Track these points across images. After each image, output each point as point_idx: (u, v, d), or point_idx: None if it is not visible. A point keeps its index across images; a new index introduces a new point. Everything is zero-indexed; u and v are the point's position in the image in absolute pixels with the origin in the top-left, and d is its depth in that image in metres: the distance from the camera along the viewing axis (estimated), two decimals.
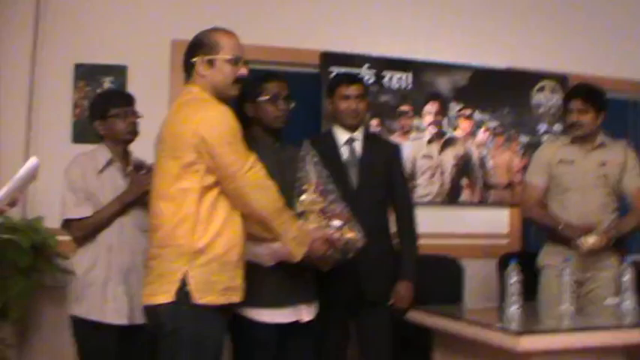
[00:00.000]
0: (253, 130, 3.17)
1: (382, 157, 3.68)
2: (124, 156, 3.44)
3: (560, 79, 5.11)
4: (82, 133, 4.14)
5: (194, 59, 2.78)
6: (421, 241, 3.74)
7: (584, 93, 3.88)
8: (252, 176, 2.67)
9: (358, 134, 3.66)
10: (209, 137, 2.60)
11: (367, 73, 4.67)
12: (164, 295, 2.61)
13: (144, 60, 4.37)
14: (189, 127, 2.62)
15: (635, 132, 5.40)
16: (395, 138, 4.67)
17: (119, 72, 4.31)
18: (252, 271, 2.82)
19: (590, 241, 3.67)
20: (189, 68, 2.82)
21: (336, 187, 3.13)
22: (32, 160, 2.61)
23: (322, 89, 4.48)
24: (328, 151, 3.53)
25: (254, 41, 4.39)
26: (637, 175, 3.98)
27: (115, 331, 3.24)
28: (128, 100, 3.44)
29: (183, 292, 2.59)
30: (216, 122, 2.65)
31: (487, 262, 4.76)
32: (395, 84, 4.74)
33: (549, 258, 3.90)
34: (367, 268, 3.39)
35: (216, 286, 2.64)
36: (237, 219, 2.71)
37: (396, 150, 3.80)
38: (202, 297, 2.61)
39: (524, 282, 3.88)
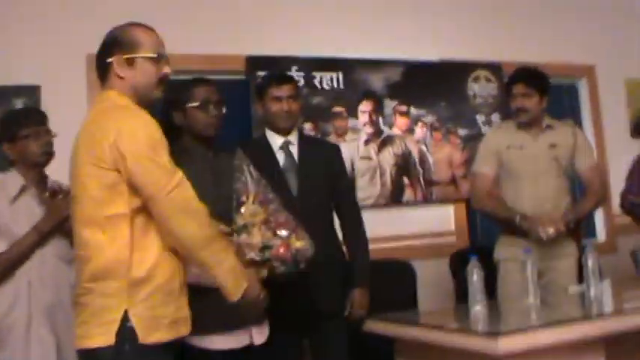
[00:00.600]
0: (183, 140, 2.93)
1: (321, 159, 3.46)
2: (40, 181, 3.09)
3: (495, 68, 5.01)
4: None
5: (110, 59, 2.43)
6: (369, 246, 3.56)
7: (525, 77, 3.75)
8: (177, 198, 2.29)
9: (293, 137, 3.44)
10: (127, 152, 2.26)
11: (296, 76, 4.46)
12: (102, 337, 2.25)
13: (58, 77, 4.09)
14: (105, 140, 2.26)
15: (572, 116, 5.33)
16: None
17: (32, 92, 4.04)
18: (195, 294, 2.51)
19: (550, 230, 3.54)
20: (104, 70, 2.47)
21: (276, 195, 2.88)
22: None
23: (250, 95, 4.32)
24: (263, 157, 3.30)
25: (175, 50, 4.19)
26: (588, 155, 3.88)
27: None
28: (40, 118, 3.12)
29: (125, 332, 2.24)
30: (134, 134, 2.30)
31: (437, 261, 4.62)
32: (326, 84, 4.56)
33: (506, 250, 3.76)
34: (317, 279, 3.10)
35: (163, 320, 2.31)
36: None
37: (335, 150, 3.60)
38: (148, 336, 2.26)
39: None
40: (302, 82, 4.49)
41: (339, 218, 3.52)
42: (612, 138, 5.43)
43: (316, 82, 4.54)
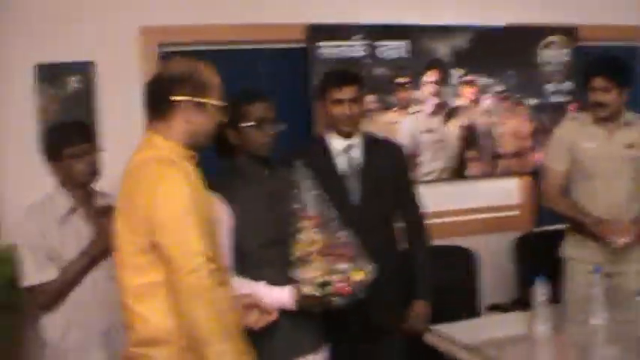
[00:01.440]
0: (238, 160, 2.77)
1: (386, 163, 3.28)
2: (88, 199, 2.93)
3: (568, 32, 4.69)
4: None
5: (177, 98, 2.23)
6: (431, 221, 3.44)
7: (606, 69, 3.47)
8: (192, 282, 2.08)
9: (356, 140, 3.26)
10: (157, 221, 2.11)
11: (358, 45, 4.25)
12: None
13: (112, 52, 3.91)
14: (140, 204, 2.13)
15: None
16: (394, 113, 4.32)
17: (86, 69, 3.87)
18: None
19: (622, 241, 3.38)
20: (160, 104, 2.25)
21: (334, 209, 2.73)
22: None
23: (310, 65, 4.17)
24: (322, 163, 3.16)
25: (234, 21, 4.08)
26: None
27: None
28: (85, 135, 2.91)
29: None
30: (165, 204, 2.11)
31: (500, 236, 4.53)
32: (390, 54, 4.31)
33: (574, 251, 3.59)
34: (375, 293, 2.85)
35: None
36: (221, 292, 2.19)
37: (400, 151, 3.42)
38: None
39: (540, 261, 3.66)
40: (365, 52, 4.26)
41: (402, 221, 3.38)
42: None
43: (379, 51, 4.29)
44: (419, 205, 3.40)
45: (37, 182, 2.97)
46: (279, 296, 2.61)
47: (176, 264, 2.09)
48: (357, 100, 3.22)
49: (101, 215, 2.84)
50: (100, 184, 3.00)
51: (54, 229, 2.83)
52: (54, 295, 2.81)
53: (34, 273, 2.79)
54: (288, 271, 2.59)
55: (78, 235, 2.86)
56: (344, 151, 3.24)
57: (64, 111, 3.82)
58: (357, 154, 3.25)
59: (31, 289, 2.82)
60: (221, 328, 2.12)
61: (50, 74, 3.82)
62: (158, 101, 2.26)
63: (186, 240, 2.10)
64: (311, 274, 2.56)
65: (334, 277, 2.56)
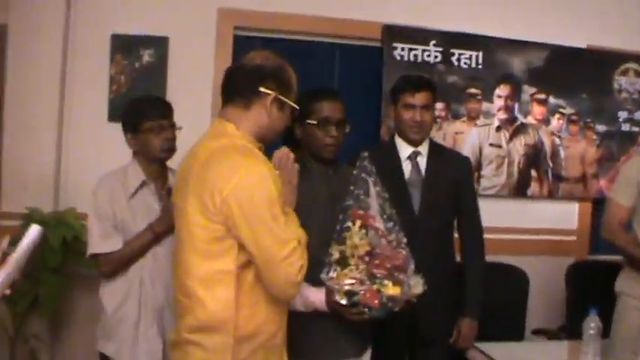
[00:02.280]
0: (303, 154, 2.68)
1: (450, 175, 3.20)
2: (161, 175, 2.94)
3: None
4: (119, 111, 3.73)
5: (264, 89, 2.19)
6: (486, 236, 3.35)
7: None
8: (286, 269, 2.09)
9: (423, 148, 3.20)
10: (240, 214, 2.07)
11: (434, 51, 4.20)
12: None
13: (187, 30, 3.95)
14: (218, 193, 2.08)
15: None
16: (461, 123, 4.27)
17: (160, 44, 3.89)
18: (296, 325, 2.39)
19: None
20: (242, 92, 2.21)
21: (393, 211, 2.60)
22: (34, 229, 1.98)
23: (384, 65, 4.15)
24: (389, 167, 3.10)
25: (312, 12, 4.07)
26: None
27: None
28: (165, 111, 2.93)
29: None
30: (250, 192, 2.07)
31: (553, 260, 4.43)
32: (464, 63, 4.26)
33: (628, 286, 3.47)
34: (426, 302, 2.74)
35: None
36: None
37: (466, 165, 3.35)
38: None
39: (592, 291, 3.57)
40: (439, 58, 4.21)
41: (460, 236, 3.31)
42: None
43: (454, 59, 4.24)
44: (479, 220, 3.33)
45: (107, 151, 3.00)
46: (314, 297, 2.51)
47: (270, 252, 2.07)
48: (428, 107, 3.16)
49: (170, 194, 2.81)
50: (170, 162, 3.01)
51: (124, 201, 2.85)
52: (116, 265, 2.83)
53: (100, 242, 2.82)
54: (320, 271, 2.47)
55: (147, 208, 2.88)
56: (410, 158, 3.19)
57: (135, 83, 3.87)
58: (422, 162, 3.19)
59: (95, 257, 2.84)
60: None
61: (125, 46, 3.87)
62: (244, 89, 2.22)
63: (277, 228, 2.09)
64: (341, 279, 2.43)
65: (363, 287, 2.42)
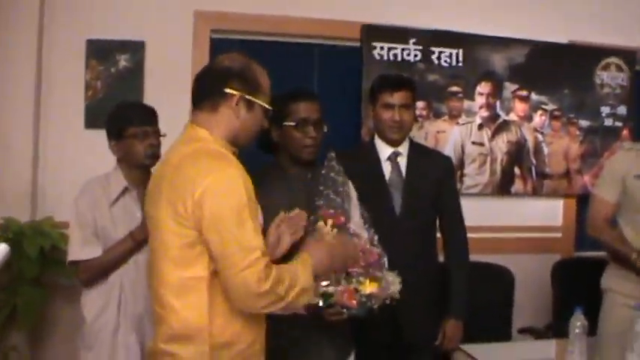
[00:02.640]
0: (280, 158, 2.67)
1: (431, 174, 3.16)
2: (144, 182, 2.84)
3: (630, 55, 4.56)
4: (95, 118, 3.71)
5: (229, 90, 2.16)
6: (470, 235, 3.31)
7: None
8: (247, 279, 1.99)
9: (403, 148, 3.15)
10: (208, 217, 2.03)
11: (413, 49, 4.16)
12: None
13: (163, 34, 3.89)
14: (190, 197, 2.04)
15: None
16: (443, 122, 4.23)
17: (136, 48, 3.84)
18: (277, 332, 2.34)
19: None
20: (208, 96, 2.18)
21: (364, 210, 2.59)
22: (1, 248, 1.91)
23: (364, 65, 4.10)
24: (369, 167, 3.08)
25: (290, 13, 4.03)
26: None
27: None
28: (149, 118, 2.89)
29: None
30: (220, 196, 2.04)
31: (539, 257, 4.41)
32: (444, 61, 4.22)
33: (614, 282, 3.44)
34: (409, 306, 2.76)
35: None
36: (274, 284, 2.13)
37: (447, 165, 3.31)
38: None
39: (579, 288, 3.54)
40: (419, 57, 4.17)
41: (443, 237, 3.27)
42: None
43: (434, 57, 4.20)
44: (462, 219, 3.29)
45: (84, 159, 2.96)
46: None
47: (232, 260, 2.02)
48: (408, 106, 3.11)
49: None
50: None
51: (105, 208, 2.82)
52: (95, 272, 2.80)
53: (79, 249, 2.79)
54: None
55: (129, 215, 2.84)
56: (390, 158, 3.15)
57: (111, 89, 3.81)
58: (402, 162, 3.15)
59: (75, 264, 2.81)
60: (280, 297, 2.05)
61: (101, 51, 3.81)
62: (209, 92, 2.19)
63: (242, 235, 2.03)
64: (316, 281, 2.33)
65: (340, 288, 2.39)
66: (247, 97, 2.18)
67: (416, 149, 3.22)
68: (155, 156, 2.85)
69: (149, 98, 3.78)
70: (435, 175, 3.18)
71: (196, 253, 2.07)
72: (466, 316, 3.19)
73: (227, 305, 2.10)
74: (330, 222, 2.45)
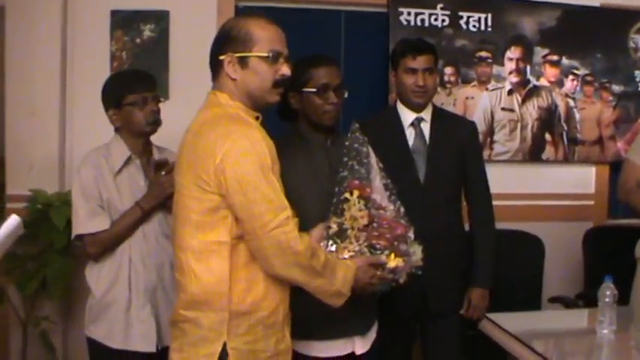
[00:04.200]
0: (300, 126, 2.63)
1: (455, 140, 3.10)
2: (145, 150, 2.87)
3: None
4: None
5: (221, 57, 2.17)
6: (500, 202, 3.26)
7: None
8: (279, 237, 2.03)
9: (426, 114, 3.10)
10: (232, 178, 2.03)
11: (441, 14, 4.09)
12: None
13: (187, 3, 3.86)
14: (211, 161, 2.04)
15: None
16: (472, 88, 4.16)
17: (160, 18, 3.82)
18: (301, 299, 2.28)
19: None
20: (215, 68, 2.21)
21: (391, 181, 2.50)
22: (13, 219, 1.95)
23: (391, 31, 4.03)
24: (391, 135, 3.03)
25: None
26: None
27: (140, 358, 2.77)
28: (147, 84, 2.85)
29: None
30: (242, 158, 2.03)
31: (570, 225, 4.31)
32: (472, 26, 4.14)
33: None
34: (435, 276, 2.76)
35: (261, 355, 2.15)
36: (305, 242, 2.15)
37: (472, 130, 3.24)
38: None
39: (611, 257, 3.48)
40: (447, 22, 4.10)
41: (468, 205, 3.23)
42: None
43: (462, 22, 4.12)
44: (487, 187, 3.23)
45: (110, 130, 2.93)
46: None
47: (262, 219, 2.02)
48: (431, 71, 3.05)
49: (157, 169, 2.79)
50: (165, 136, 2.92)
51: (109, 179, 2.79)
52: (103, 246, 2.76)
53: (86, 222, 2.75)
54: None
55: (133, 185, 2.81)
56: (413, 124, 3.10)
57: (137, 59, 3.80)
58: (426, 129, 3.10)
59: (82, 238, 2.77)
60: (311, 264, 2.10)
61: (125, 21, 3.79)
62: (211, 62, 2.22)
63: (270, 193, 2.04)
64: (341, 253, 2.34)
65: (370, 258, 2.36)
66: (237, 55, 2.15)
67: (439, 115, 3.17)
68: (156, 122, 2.83)
69: (174, 68, 3.81)
70: (459, 140, 3.13)
71: (219, 217, 2.07)
72: (492, 284, 3.15)
73: (249, 272, 2.11)
74: (356, 193, 2.41)
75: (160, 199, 2.74)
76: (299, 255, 2.07)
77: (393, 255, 2.38)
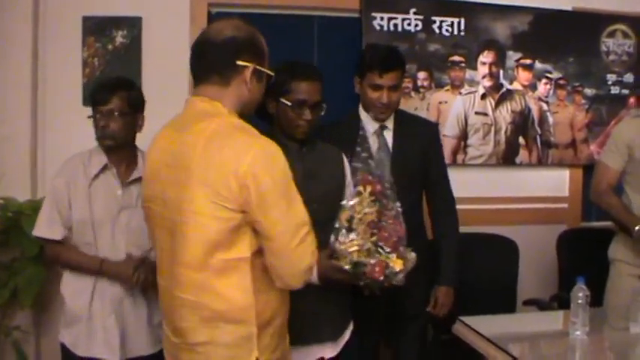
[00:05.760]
0: (275, 130, 2.59)
1: (417, 145, 3.10)
2: (124, 158, 2.85)
3: (635, 22, 4.46)
4: None
5: (242, 63, 2.05)
6: (474, 207, 3.27)
7: None
8: (302, 254, 2.00)
9: (389, 122, 3.10)
10: (257, 191, 1.93)
11: (414, 19, 4.09)
12: None
13: (160, 9, 3.85)
14: (232, 176, 1.92)
15: None
16: (445, 92, 4.17)
17: (133, 24, 3.80)
18: None
19: None
20: (218, 67, 2.05)
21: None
22: None
23: (364, 36, 4.03)
24: (354, 142, 3.01)
25: None
26: None
27: None
28: (105, 96, 2.78)
29: None
30: (268, 170, 1.95)
31: (545, 228, 4.33)
32: (445, 30, 4.15)
33: (621, 252, 3.40)
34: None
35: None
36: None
37: (433, 132, 3.25)
38: None
39: (586, 259, 3.51)
40: (420, 26, 4.10)
41: (429, 206, 3.23)
42: None
43: (435, 27, 4.13)
44: (449, 188, 3.24)
45: (83, 137, 2.91)
46: None
47: (283, 238, 1.97)
48: (397, 87, 3.03)
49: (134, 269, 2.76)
50: (137, 142, 2.92)
51: (83, 184, 2.78)
52: (53, 259, 2.88)
53: (43, 225, 2.81)
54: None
55: (109, 193, 2.81)
56: (376, 133, 3.09)
57: (109, 66, 3.78)
58: (389, 137, 3.09)
59: (41, 240, 2.85)
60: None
61: (97, 27, 3.77)
62: (220, 65, 2.07)
63: (293, 211, 2.00)
64: (350, 246, 2.33)
65: (372, 261, 2.34)
66: (259, 67, 2.09)
67: (402, 120, 3.16)
68: (105, 137, 2.78)
69: (147, 74, 3.79)
70: (422, 143, 3.13)
71: (240, 234, 1.98)
72: (457, 282, 3.17)
73: (266, 283, 2.05)
74: (368, 189, 2.39)
75: (123, 276, 2.75)
76: (310, 271, 2.07)
77: (395, 257, 2.38)
